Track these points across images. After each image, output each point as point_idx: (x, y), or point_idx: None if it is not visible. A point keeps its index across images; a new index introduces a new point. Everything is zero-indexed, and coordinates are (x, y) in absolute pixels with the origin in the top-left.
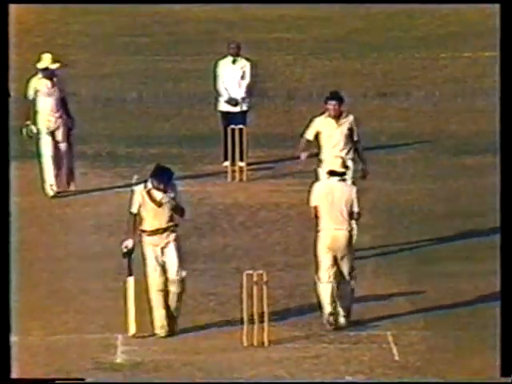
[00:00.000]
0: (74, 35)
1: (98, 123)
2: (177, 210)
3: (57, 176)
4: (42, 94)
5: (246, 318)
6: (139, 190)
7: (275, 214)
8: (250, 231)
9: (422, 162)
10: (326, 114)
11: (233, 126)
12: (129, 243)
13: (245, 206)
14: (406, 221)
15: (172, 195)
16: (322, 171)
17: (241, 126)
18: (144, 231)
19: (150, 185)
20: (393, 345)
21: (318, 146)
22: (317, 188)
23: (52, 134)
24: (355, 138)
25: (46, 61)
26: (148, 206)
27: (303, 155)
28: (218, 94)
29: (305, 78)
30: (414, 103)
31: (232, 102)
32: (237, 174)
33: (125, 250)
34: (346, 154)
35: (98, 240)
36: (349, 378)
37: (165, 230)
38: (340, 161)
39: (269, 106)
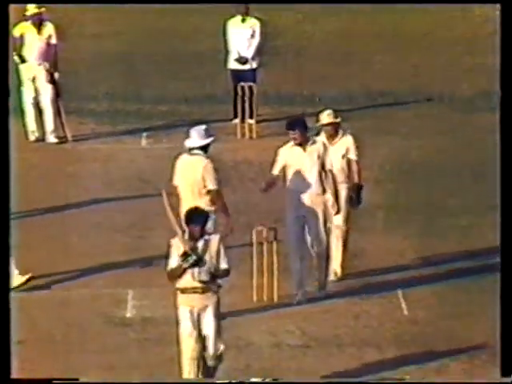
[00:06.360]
0: None
1: (108, 81)
2: (217, 267)
3: (40, 122)
4: (27, 39)
5: (255, 274)
6: (176, 242)
7: None
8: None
9: (433, 118)
10: (291, 143)
11: (242, 84)
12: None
13: (254, 163)
14: (416, 176)
15: (213, 249)
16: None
17: (250, 84)
18: (178, 288)
19: (186, 236)
20: (402, 300)
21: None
22: None
23: (33, 80)
24: (328, 167)
25: (31, 9)
26: None
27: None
28: (227, 53)
29: (314, 37)
30: (426, 60)
31: (242, 60)
32: (246, 131)
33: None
34: (319, 184)
35: (108, 196)
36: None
37: (204, 290)
38: None
39: (278, 64)
